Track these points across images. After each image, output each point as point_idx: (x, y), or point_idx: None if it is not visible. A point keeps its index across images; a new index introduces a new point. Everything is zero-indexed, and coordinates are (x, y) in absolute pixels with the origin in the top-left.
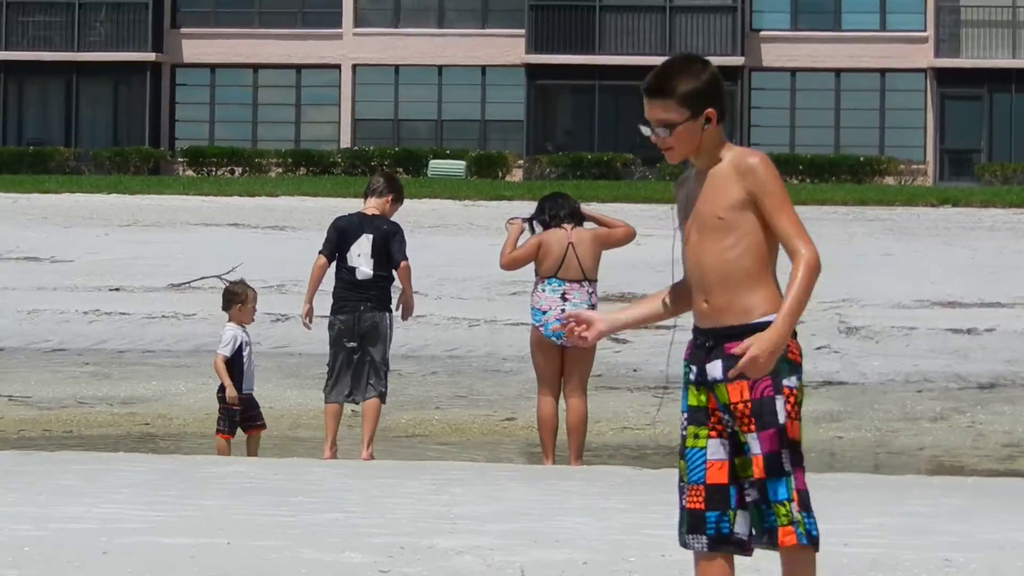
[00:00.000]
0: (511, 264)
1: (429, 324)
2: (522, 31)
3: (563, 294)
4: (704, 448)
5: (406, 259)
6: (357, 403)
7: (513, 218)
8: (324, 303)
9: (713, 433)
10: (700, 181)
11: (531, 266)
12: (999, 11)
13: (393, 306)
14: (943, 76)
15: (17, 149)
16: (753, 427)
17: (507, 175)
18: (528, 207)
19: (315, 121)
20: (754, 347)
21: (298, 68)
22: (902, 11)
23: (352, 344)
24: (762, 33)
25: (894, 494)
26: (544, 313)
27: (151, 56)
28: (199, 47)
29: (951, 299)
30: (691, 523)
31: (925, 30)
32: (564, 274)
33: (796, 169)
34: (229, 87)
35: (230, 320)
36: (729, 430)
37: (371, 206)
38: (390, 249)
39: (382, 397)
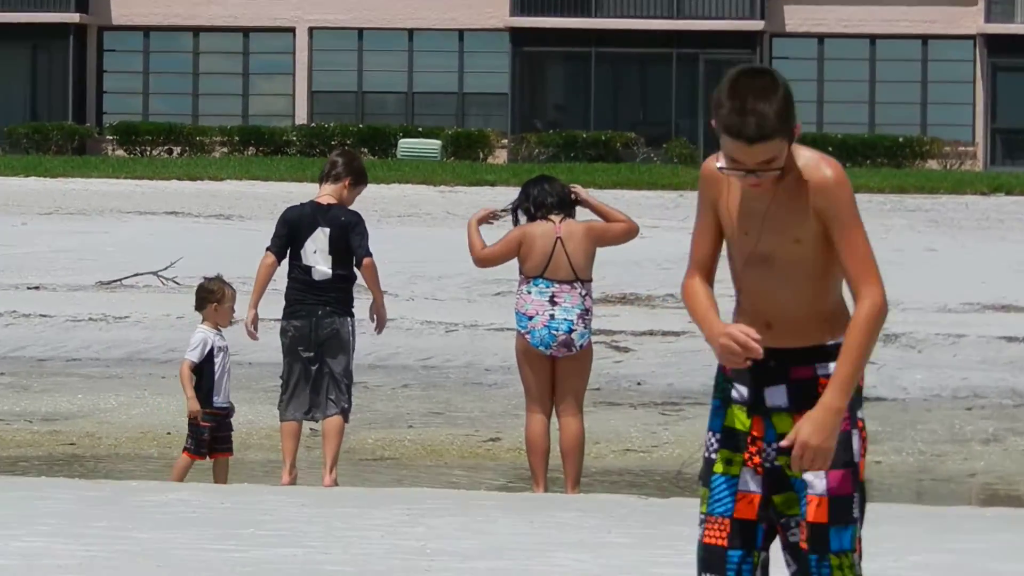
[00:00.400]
0: (487, 260)
1: (400, 329)
2: None
3: (552, 296)
4: (736, 477)
5: (370, 255)
6: (317, 421)
7: (492, 211)
8: (275, 305)
9: (750, 463)
10: (766, 190)
11: (510, 264)
12: None
13: (355, 309)
14: (995, 44)
15: None
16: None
17: (489, 156)
18: (514, 193)
19: (266, 93)
20: (807, 435)
21: (246, 31)
22: None
23: (309, 354)
24: None
25: (941, 528)
26: (530, 319)
27: (75, 17)
28: (130, 6)
29: (1005, 302)
30: (709, 561)
31: None
32: (552, 274)
33: (824, 151)
34: (166, 53)
35: (203, 322)
36: (769, 464)
37: (326, 193)
38: (350, 243)
39: (345, 414)
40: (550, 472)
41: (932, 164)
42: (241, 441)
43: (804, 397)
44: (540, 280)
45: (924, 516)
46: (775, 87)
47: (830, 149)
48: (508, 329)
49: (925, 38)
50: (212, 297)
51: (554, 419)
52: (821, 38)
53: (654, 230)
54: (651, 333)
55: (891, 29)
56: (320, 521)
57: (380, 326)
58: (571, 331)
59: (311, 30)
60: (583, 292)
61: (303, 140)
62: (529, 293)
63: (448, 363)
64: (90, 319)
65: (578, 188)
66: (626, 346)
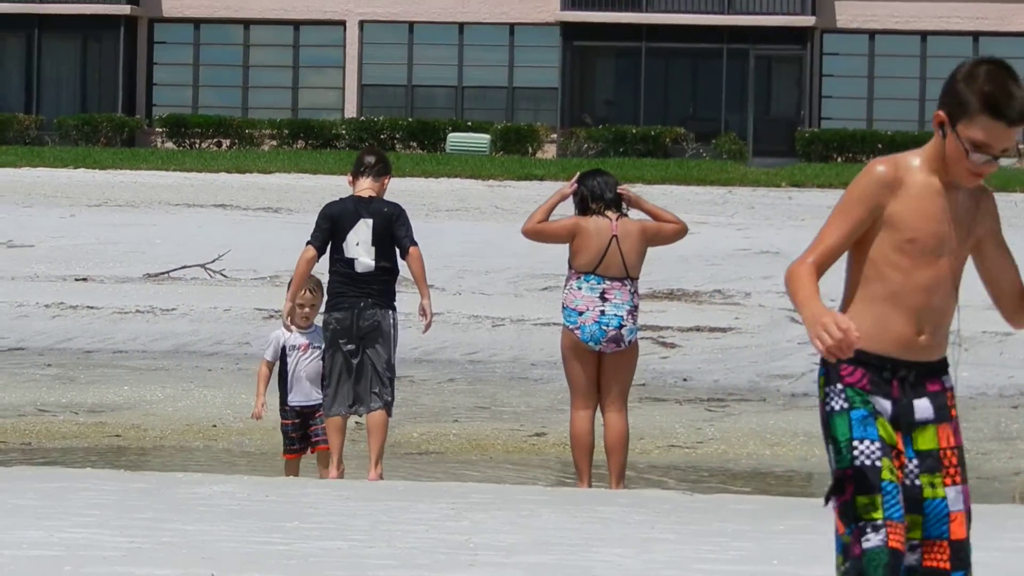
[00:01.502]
0: (536, 233)
1: (447, 323)
2: None
3: (602, 293)
4: (899, 486)
5: (416, 244)
6: (361, 415)
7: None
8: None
9: (900, 476)
10: (955, 197)
11: (558, 255)
12: None
13: (399, 304)
14: None
15: None
16: (960, 479)
17: (538, 151)
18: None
19: (315, 86)
20: None
21: (296, 24)
22: None
23: (351, 346)
24: None
25: (987, 526)
26: (580, 314)
27: (125, 8)
28: None
29: None
30: (895, 566)
31: None
32: (604, 271)
33: (874, 148)
34: (216, 46)
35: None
36: (909, 482)
37: (365, 187)
38: (395, 234)
39: (388, 408)
40: (595, 468)
41: None
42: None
43: (941, 409)
44: (592, 276)
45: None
46: (1018, 78)
47: (880, 147)
48: (554, 324)
49: (977, 35)
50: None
51: (599, 415)
52: (872, 34)
53: (702, 226)
54: (698, 329)
55: (943, 25)
56: (364, 515)
57: (427, 324)
58: (621, 327)
59: (361, 23)
60: (632, 289)
61: (352, 134)
62: (579, 289)
63: (494, 358)
64: (137, 311)
65: (628, 189)
66: (672, 342)
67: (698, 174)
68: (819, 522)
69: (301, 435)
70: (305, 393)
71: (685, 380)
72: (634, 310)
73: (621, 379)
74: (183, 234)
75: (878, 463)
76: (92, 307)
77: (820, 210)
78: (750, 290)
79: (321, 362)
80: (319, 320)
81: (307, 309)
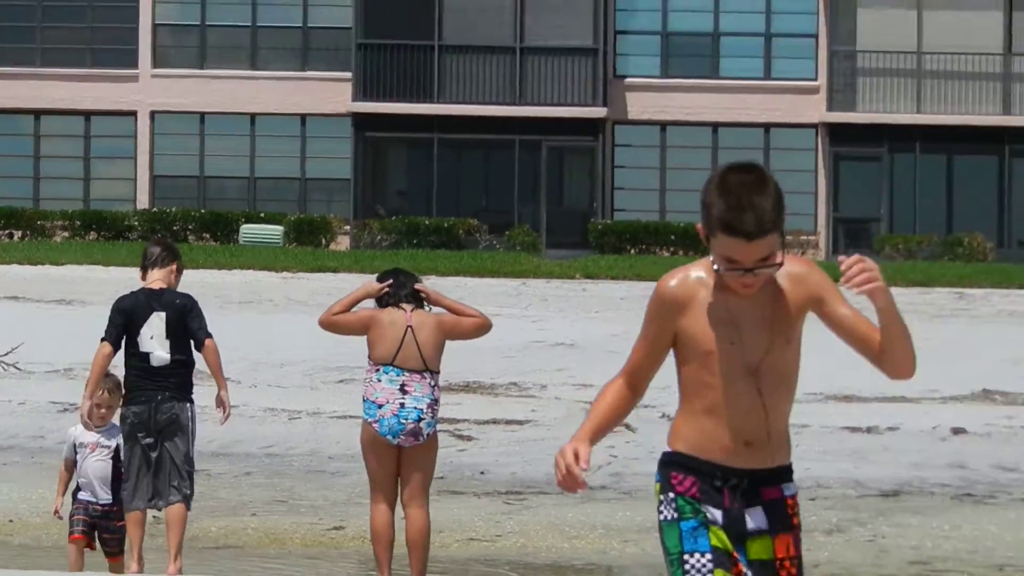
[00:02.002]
0: (331, 325)
1: (243, 416)
2: (348, 75)
3: (402, 385)
4: None
5: (210, 336)
6: (160, 508)
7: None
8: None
9: None
10: (747, 300)
11: (353, 347)
12: (901, 58)
13: (196, 396)
14: (837, 132)
15: None
16: None
17: (332, 243)
18: (357, 280)
19: (107, 177)
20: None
21: (87, 115)
22: (790, 56)
23: (149, 440)
24: (628, 80)
25: None
26: (380, 407)
27: None
28: None
29: (848, 392)
30: None
31: (816, 79)
32: (402, 362)
33: (667, 240)
34: (6, 136)
35: None
36: None
37: (156, 279)
38: (189, 327)
39: (187, 501)
40: (395, 561)
41: None
42: None
43: (779, 518)
44: (391, 368)
45: None
46: (766, 181)
47: (672, 237)
48: (351, 417)
49: (768, 126)
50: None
51: (399, 508)
52: (663, 125)
53: (497, 318)
54: (494, 422)
55: (734, 117)
56: None
57: (225, 415)
58: (420, 420)
59: (152, 113)
60: (432, 383)
61: (145, 225)
62: (379, 381)
63: (291, 451)
64: None
65: (425, 287)
66: (469, 435)
67: (492, 266)
68: None
69: (89, 523)
70: (93, 491)
71: (482, 473)
72: (434, 403)
73: (421, 473)
74: None
75: (705, 574)
76: None
77: (613, 302)
78: (546, 382)
79: (111, 462)
80: (116, 418)
81: (103, 410)
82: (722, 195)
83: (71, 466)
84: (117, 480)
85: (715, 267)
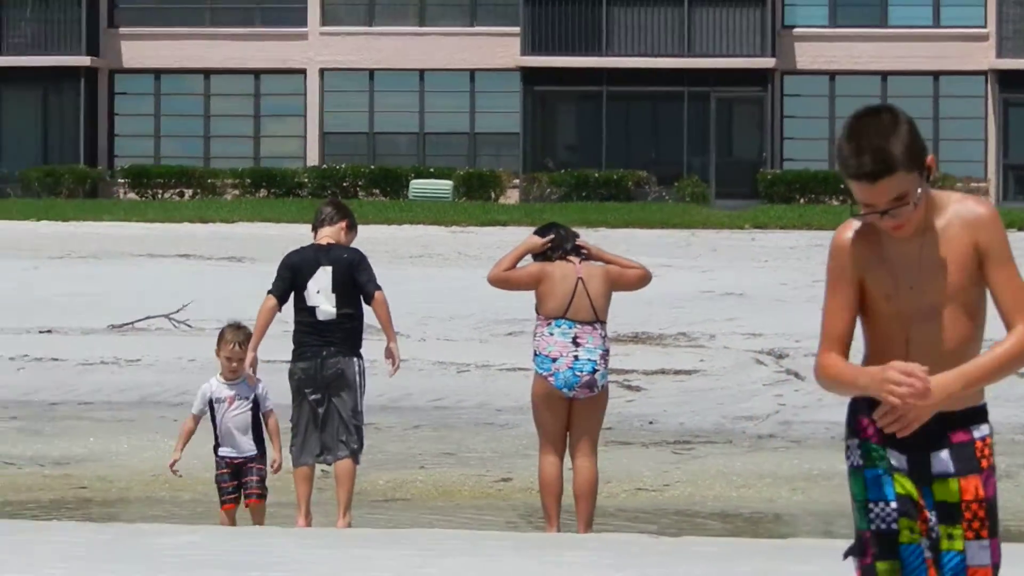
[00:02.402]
0: (502, 281)
1: (411, 370)
2: (517, 29)
3: (575, 338)
4: (920, 545)
5: (380, 288)
6: (329, 464)
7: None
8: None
9: (924, 531)
10: (918, 239)
11: (522, 300)
12: None
13: (365, 350)
14: (1007, 79)
15: None
16: (985, 532)
17: (501, 196)
18: (526, 233)
19: (277, 135)
20: (934, 386)
21: (257, 73)
22: (959, 4)
23: (316, 396)
24: (796, 31)
25: None
26: (554, 361)
27: (86, 60)
28: (141, 49)
29: None
30: None
31: (986, 26)
32: (574, 315)
33: (836, 189)
34: (177, 96)
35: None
36: (934, 533)
37: (325, 235)
38: (357, 280)
39: (355, 456)
40: (563, 512)
41: None
42: None
43: (966, 460)
44: (563, 321)
45: None
46: (895, 122)
47: (842, 186)
48: (520, 369)
49: (937, 74)
50: (217, 344)
51: (567, 459)
52: (832, 75)
53: (666, 269)
54: (663, 372)
55: (903, 65)
56: (330, 563)
57: (394, 367)
58: (594, 371)
59: (322, 71)
60: (603, 333)
61: (315, 182)
62: (551, 335)
63: (460, 404)
64: (102, 362)
65: (586, 242)
66: (638, 385)
67: (661, 217)
68: (786, 563)
69: (235, 485)
70: (234, 445)
71: (651, 423)
72: (606, 354)
73: (592, 425)
74: (147, 285)
75: (894, 525)
76: (56, 359)
77: (783, 251)
78: (715, 332)
79: (250, 413)
80: (273, 370)
81: (234, 363)
82: (848, 140)
83: (196, 421)
84: (257, 429)
85: (852, 223)
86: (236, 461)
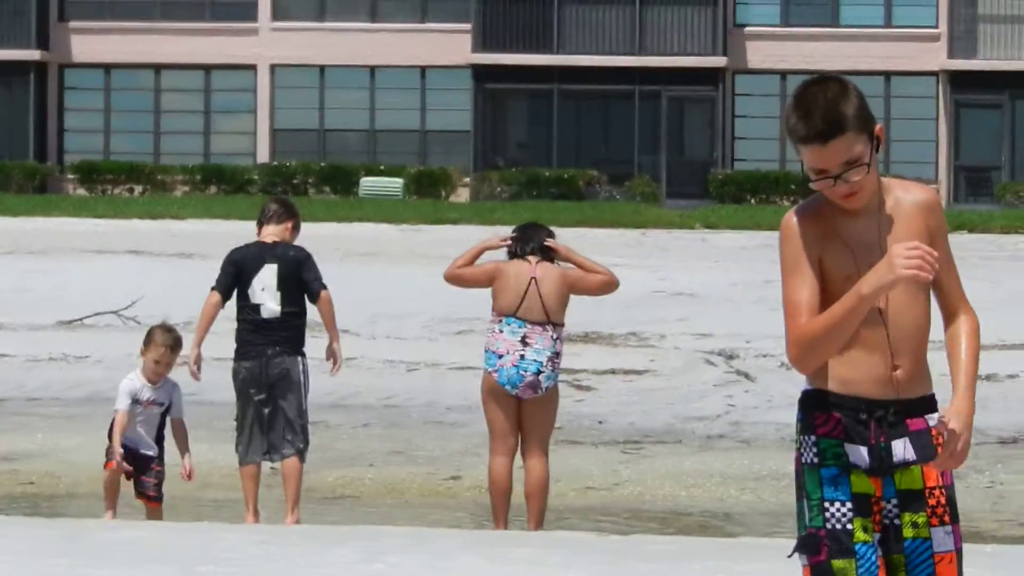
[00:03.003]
0: (456, 278)
1: (360, 368)
2: (468, 26)
3: (523, 337)
4: (874, 543)
5: (325, 287)
6: (275, 462)
7: (504, 238)
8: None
9: (876, 526)
10: (874, 219)
11: (473, 299)
12: (1021, 4)
13: (308, 349)
14: (958, 80)
15: None
16: (948, 518)
17: (451, 194)
18: (477, 232)
19: (227, 131)
20: (960, 427)
21: (207, 68)
22: (911, 4)
23: (260, 396)
24: (747, 29)
25: None
26: (500, 357)
27: (35, 54)
28: (91, 44)
29: None
30: None
31: (937, 27)
32: (525, 314)
33: (787, 189)
34: (127, 91)
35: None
36: (888, 522)
37: (269, 233)
38: (303, 278)
39: (301, 455)
40: (512, 511)
41: None
42: (202, 480)
43: (926, 447)
44: (513, 319)
45: None
46: (843, 87)
47: (793, 187)
48: (470, 368)
49: (888, 74)
50: (145, 344)
51: (518, 459)
52: (784, 74)
53: (617, 268)
54: (613, 372)
55: (854, 65)
56: (280, 558)
57: (336, 367)
58: (539, 373)
59: (272, 67)
60: (555, 335)
61: (265, 179)
62: (501, 332)
63: (409, 402)
64: (50, 359)
65: (556, 243)
66: (588, 385)
67: (612, 216)
68: (734, 562)
69: (131, 468)
70: (135, 441)
71: (600, 423)
72: (555, 356)
73: (542, 425)
74: (96, 280)
75: (849, 526)
76: (4, 355)
77: (733, 251)
78: (665, 332)
79: (159, 417)
80: (213, 369)
81: (161, 366)
82: (797, 106)
83: (128, 417)
84: (161, 431)
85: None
86: (135, 454)
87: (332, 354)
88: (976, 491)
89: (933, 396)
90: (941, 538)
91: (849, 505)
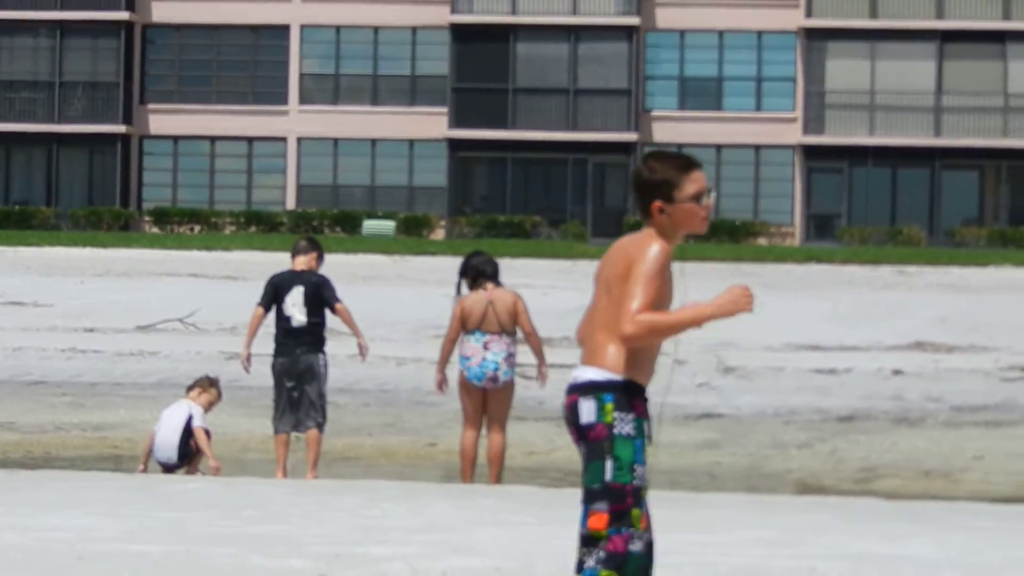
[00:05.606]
0: (450, 348)
1: (362, 363)
2: (445, 109)
3: (485, 344)
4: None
5: (339, 301)
6: (301, 432)
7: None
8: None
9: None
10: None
11: (447, 312)
12: (859, 95)
13: (327, 348)
14: (810, 151)
15: (4, 208)
16: None
17: (431, 234)
18: (449, 262)
19: (264, 186)
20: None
21: (250, 140)
22: (775, 95)
23: (291, 383)
24: (653, 113)
25: (766, 511)
26: (469, 359)
27: (122, 128)
28: (164, 121)
29: (815, 343)
30: (647, 567)
31: (795, 111)
32: (486, 327)
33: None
34: (190, 156)
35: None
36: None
37: (300, 263)
38: (323, 296)
39: (320, 428)
40: (475, 474)
41: (762, 241)
42: (243, 445)
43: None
44: (477, 331)
45: (754, 502)
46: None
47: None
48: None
49: (758, 147)
50: (203, 392)
51: (483, 433)
52: (680, 147)
53: (553, 289)
54: (551, 366)
55: (733, 140)
56: (301, 505)
57: (364, 355)
58: (497, 369)
59: (299, 139)
60: (509, 341)
61: (292, 221)
62: (468, 341)
63: (399, 387)
64: (130, 354)
65: (545, 374)
66: (532, 375)
67: (551, 251)
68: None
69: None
70: (168, 455)
71: (541, 403)
72: (510, 357)
73: (501, 409)
74: (165, 296)
75: (645, 483)
76: (97, 351)
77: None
78: None
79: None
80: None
81: (211, 407)
82: (667, 159)
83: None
84: (187, 444)
85: (693, 205)
86: (167, 466)
87: (359, 343)
88: (821, 456)
89: None
90: None
91: (646, 467)
